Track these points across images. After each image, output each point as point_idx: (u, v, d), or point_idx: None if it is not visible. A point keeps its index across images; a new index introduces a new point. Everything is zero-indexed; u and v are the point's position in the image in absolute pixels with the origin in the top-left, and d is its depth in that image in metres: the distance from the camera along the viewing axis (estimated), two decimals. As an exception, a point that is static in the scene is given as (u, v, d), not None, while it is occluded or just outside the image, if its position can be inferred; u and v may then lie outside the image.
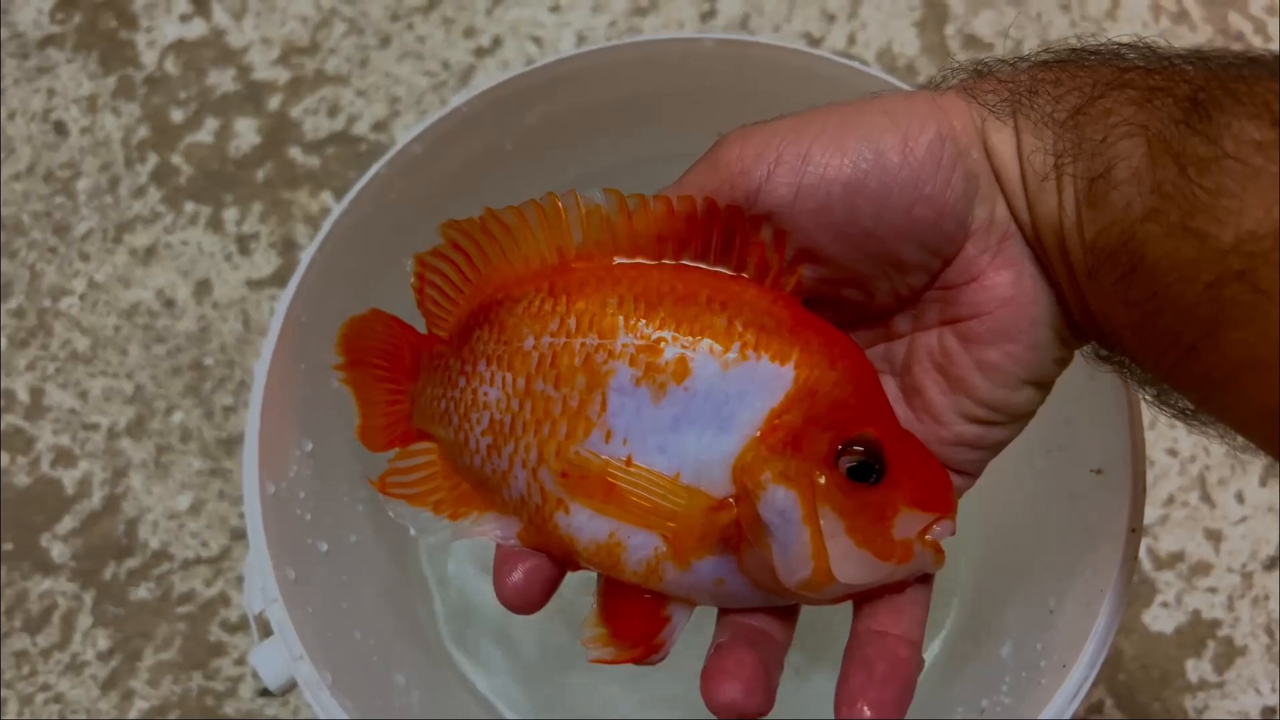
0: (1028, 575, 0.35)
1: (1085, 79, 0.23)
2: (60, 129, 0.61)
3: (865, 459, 0.23)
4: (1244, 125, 0.20)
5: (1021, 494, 0.37)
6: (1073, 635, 0.30)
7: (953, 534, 0.24)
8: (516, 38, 0.62)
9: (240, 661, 0.50)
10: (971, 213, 0.24)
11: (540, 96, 0.37)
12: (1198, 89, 0.21)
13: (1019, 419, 0.25)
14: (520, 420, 0.25)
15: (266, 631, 0.33)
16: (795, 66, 0.36)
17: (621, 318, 0.24)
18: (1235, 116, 0.20)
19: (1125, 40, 0.24)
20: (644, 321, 0.24)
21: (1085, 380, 0.28)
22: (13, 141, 0.61)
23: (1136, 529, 0.30)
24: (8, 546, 0.53)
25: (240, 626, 0.51)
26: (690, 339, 0.23)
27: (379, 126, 0.60)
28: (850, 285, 0.25)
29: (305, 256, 0.34)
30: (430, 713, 0.36)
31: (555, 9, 0.63)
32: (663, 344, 0.24)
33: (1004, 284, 0.24)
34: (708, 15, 0.63)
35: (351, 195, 0.34)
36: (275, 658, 0.31)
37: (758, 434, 0.23)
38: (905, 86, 0.35)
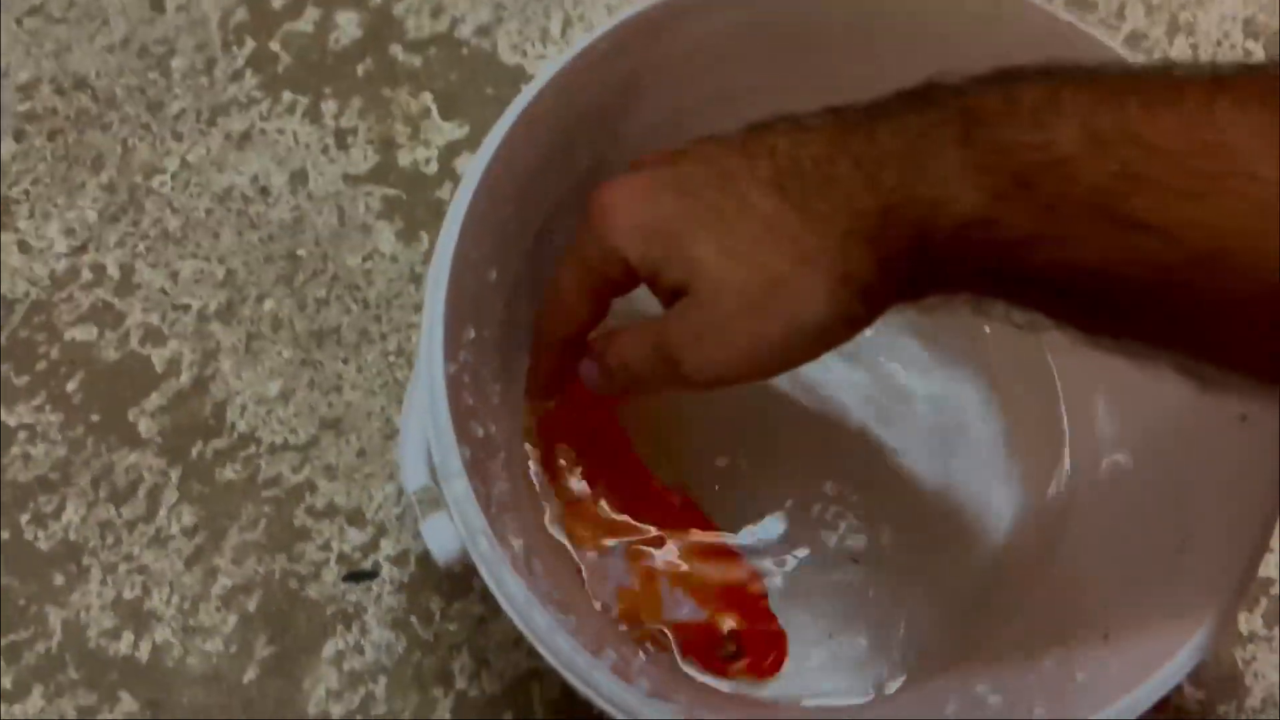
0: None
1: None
2: (156, 3, 0.60)
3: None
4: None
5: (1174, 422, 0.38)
6: (1210, 572, 0.32)
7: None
8: (622, -45, 0.62)
9: (325, 547, 0.51)
10: None
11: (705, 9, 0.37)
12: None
13: None
14: None
15: (425, 507, 0.34)
16: (974, 9, 0.36)
17: None
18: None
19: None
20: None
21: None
22: (106, 12, 0.60)
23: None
24: (95, 418, 0.53)
25: (326, 514, 0.52)
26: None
27: (482, 31, 0.60)
28: None
29: (489, 145, 0.34)
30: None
31: (661, -70, 0.63)
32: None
33: None
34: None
35: (540, 83, 0.34)
36: (447, 532, 0.32)
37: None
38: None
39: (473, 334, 0.36)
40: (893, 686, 0.41)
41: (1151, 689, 0.30)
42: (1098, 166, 0.23)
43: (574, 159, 0.39)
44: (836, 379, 0.48)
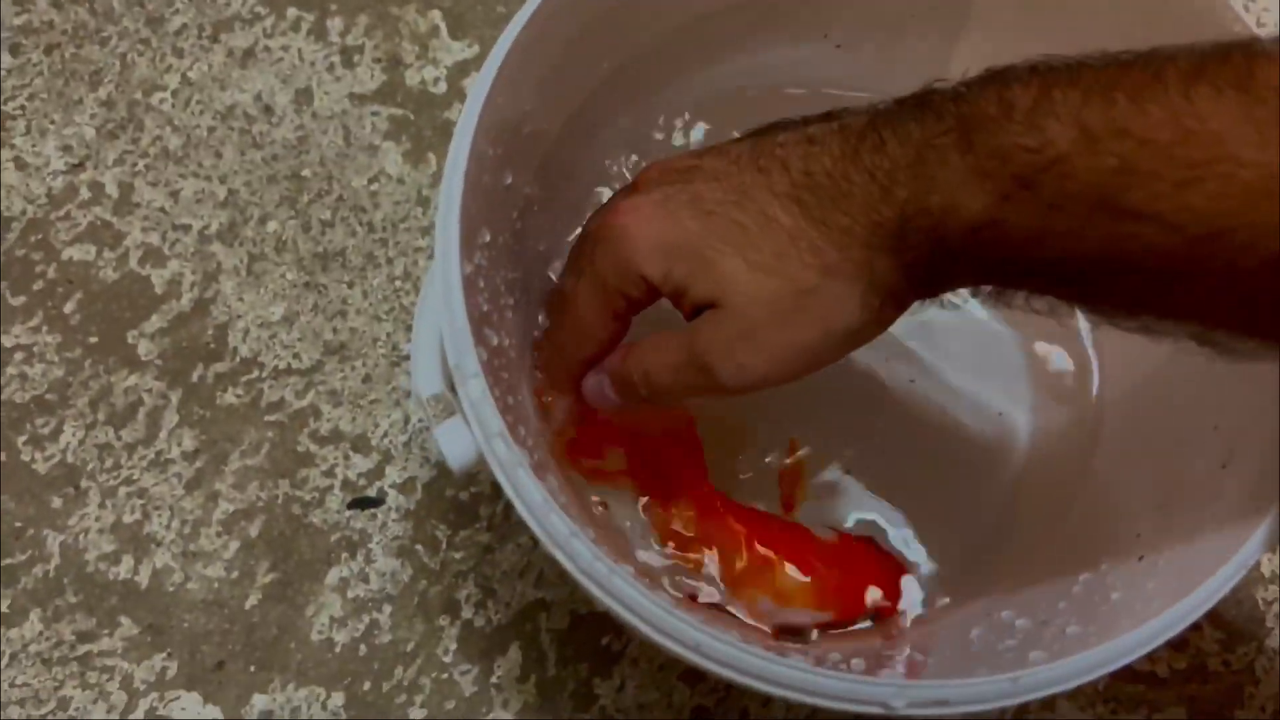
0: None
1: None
2: (156, -85, 0.58)
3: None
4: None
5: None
6: (1256, 487, 0.30)
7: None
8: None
9: (329, 473, 0.50)
10: None
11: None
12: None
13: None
14: None
15: (438, 415, 0.32)
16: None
17: None
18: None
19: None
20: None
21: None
22: (105, -77, 0.58)
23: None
24: (93, 339, 0.52)
25: (330, 439, 0.51)
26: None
27: (494, -51, 0.58)
28: None
29: (507, 37, 0.33)
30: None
31: None
32: None
33: None
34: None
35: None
36: (462, 437, 0.31)
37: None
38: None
39: (488, 237, 0.34)
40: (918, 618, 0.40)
41: (1195, 602, 0.28)
42: (1093, 163, 0.24)
43: (595, 60, 0.38)
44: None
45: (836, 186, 0.29)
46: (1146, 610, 0.29)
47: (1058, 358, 0.45)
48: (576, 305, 0.35)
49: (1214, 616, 0.51)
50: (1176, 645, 0.50)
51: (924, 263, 0.29)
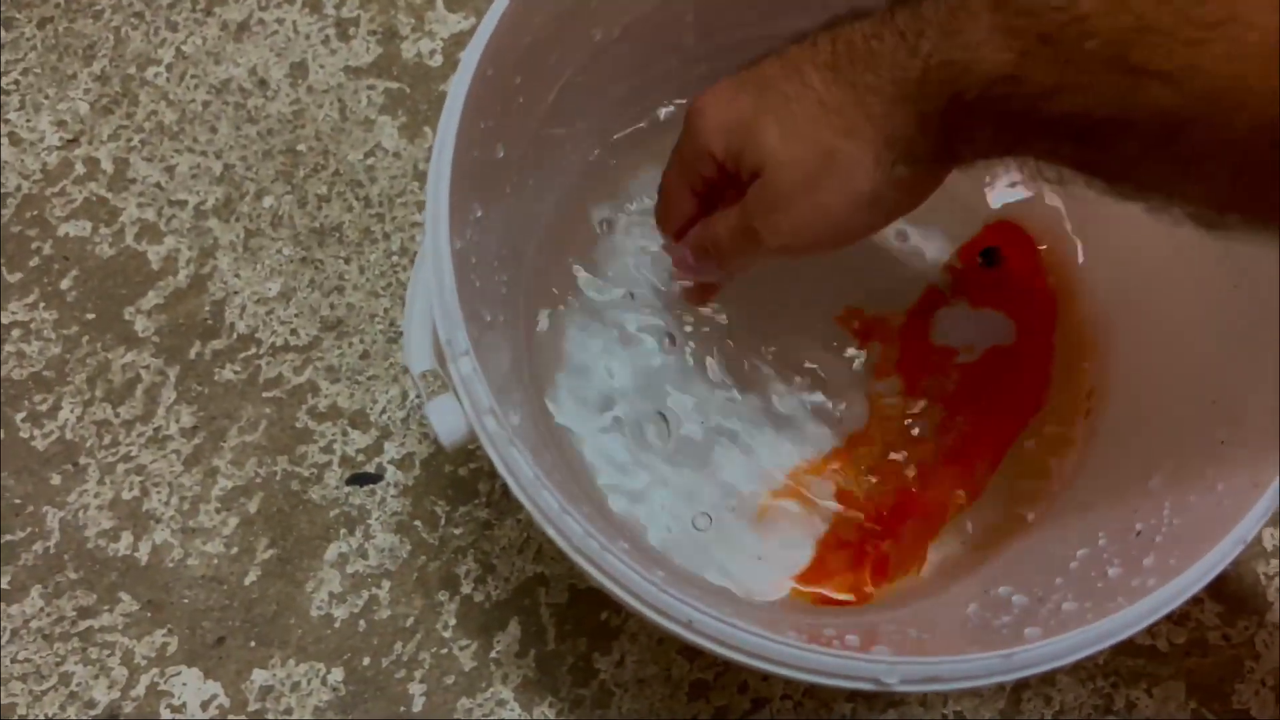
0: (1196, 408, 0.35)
1: None
2: (149, -113, 0.57)
3: None
4: None
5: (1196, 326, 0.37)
6: (1254, 462, 0.30)
7: None
8: None
9: (327, 449, 0.50)
10: None
11: None
12: None
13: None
14: None
15: (431, 390, 0.32)
16: None
17: None
18: None
19: None
20: None
21: None
22: (97, -105, 0.57)
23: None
24: (90, 316, 0.52)
25: (329, 416, 0.50)
26: None
27: (490, -81, 0.57)
28: None
29: (497, 9, 0.32)
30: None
31: None
32: None
33: None
34: None
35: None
36: (452, 412, 0.31)
37: None
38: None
39: (479, 213, 0.34)
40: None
41: (1189, 579, 0.28)
42: (1113, 21, 0.26)
43: (586, 31, 0.37)
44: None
45: (868, 48, 0.31)
46: (1142, 586, 0.29)
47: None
48: (665, 184, 0.39)
49: (1215, 591, 0.51)
50: (1177, 619, 0.49)
51: (940, 113, 0.30)
